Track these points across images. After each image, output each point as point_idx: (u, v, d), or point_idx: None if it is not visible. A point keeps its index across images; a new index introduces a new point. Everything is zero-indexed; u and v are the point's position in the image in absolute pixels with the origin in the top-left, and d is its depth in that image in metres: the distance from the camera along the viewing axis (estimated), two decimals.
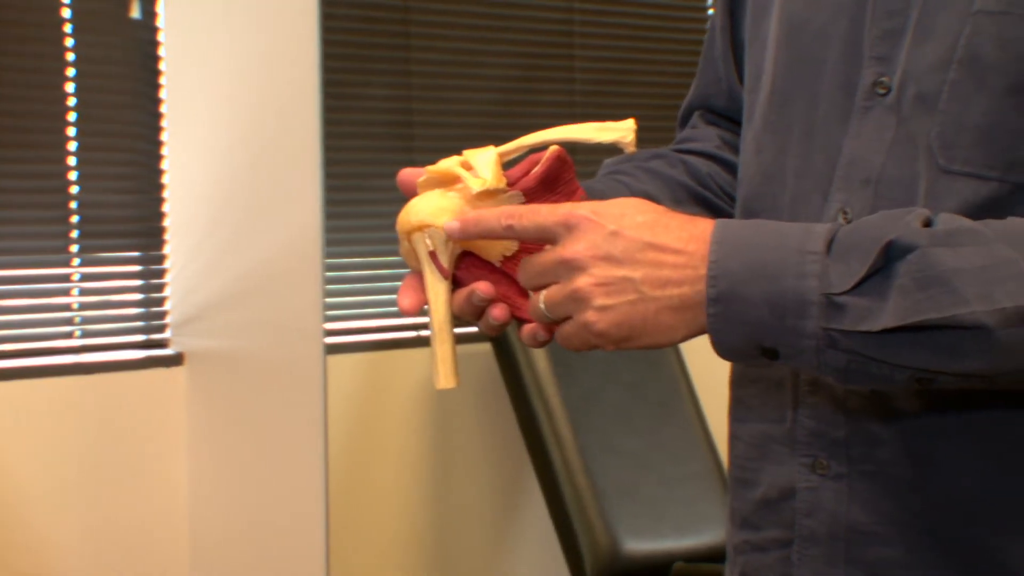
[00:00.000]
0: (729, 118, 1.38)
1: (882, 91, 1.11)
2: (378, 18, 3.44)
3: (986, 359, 0.96)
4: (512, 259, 1.09)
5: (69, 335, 3.09)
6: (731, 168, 1.35)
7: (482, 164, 1.08)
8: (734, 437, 1.26)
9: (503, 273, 1.10)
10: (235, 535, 3.04)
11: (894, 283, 0.95)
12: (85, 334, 3.11)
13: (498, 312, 1.07)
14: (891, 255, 0.96)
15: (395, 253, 3.51)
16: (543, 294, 1.02)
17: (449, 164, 1.09)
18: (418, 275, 1.11)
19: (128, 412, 3.09)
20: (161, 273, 3.18)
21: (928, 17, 1.09)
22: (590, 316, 1.00)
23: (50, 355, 3.05)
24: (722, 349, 1.00)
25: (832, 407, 1.14)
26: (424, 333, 3.43)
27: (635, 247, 0.99)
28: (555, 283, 1.01)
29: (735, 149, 1.35)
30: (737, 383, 1.26)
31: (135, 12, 3.11)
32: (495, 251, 1.09)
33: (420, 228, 1.08)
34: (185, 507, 3.13)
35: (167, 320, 3.19)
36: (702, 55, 1.42)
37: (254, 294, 2.95)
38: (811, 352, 0.97)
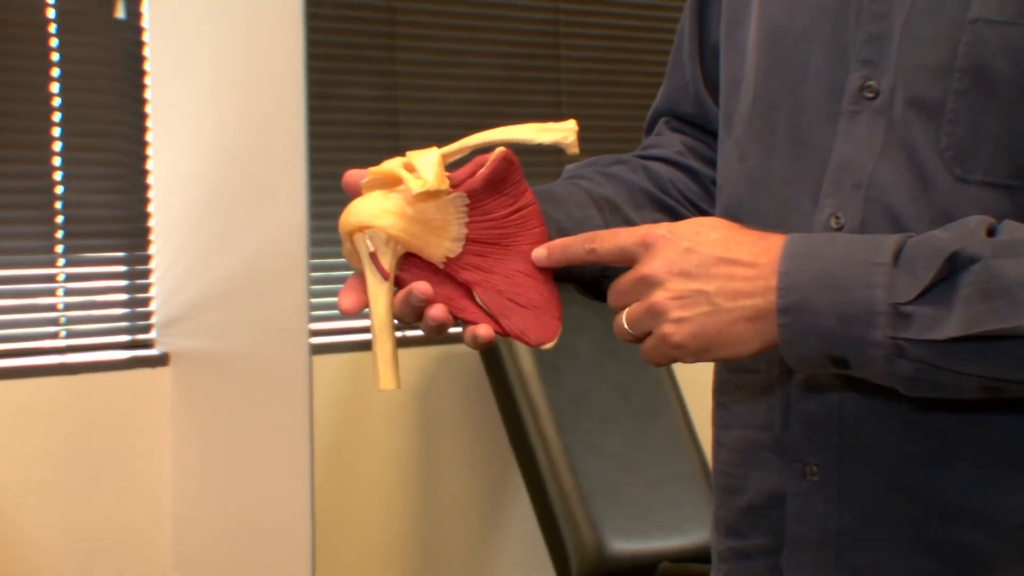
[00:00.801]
0: (695, 124, 1.37)
1: (870, 95, 1.11)
2: (363, 18, 3.44)
3: None
4: (456, 261, 1.09)
5: (54, 335, 3.08)
6: (693, 174, 1.34)
7: (424, 165, 1.08)
8: (719, 444, 1.26)
9: (446, 275, 1.10)
10: (220, 535, 3.04)
11: (958, 293, 0.97)
12: (70, 334, 3.10)
13: (435, 312, 1.08)
14: (956, 265, 0.98)
15: None
16: (624, 312, 1.05)
17: (392, 165, 1.09)
18: (361, 276, 1.10)
19: (113, 412, 3.08)
20: (146, 273, 3.17)
21: (915, 21, 1.09)
22: (667, 329, 1.03)
23: (35, 355, 3.05)
24: (793, 359, 1.03)
25: (825, 413, 1.13)
26: (409, 334, 3.43)
27: (709, 262, 1.02)
28: (636, 300, 1.04)
29: (699, 156, 1.35)
30: (721, 390, 1.26)
31: (120, 12, 3.11)
32: (438, 253, 1.09)
33: (361, 229, 1.08)
34: (170, 507, 3.13)
35: (152, 320, 3.18)
36: (670, 59, 1.41)
37: (240, 294, 2.95)
38: (880, 361, 1.00)
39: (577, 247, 1.08)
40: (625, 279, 1.06)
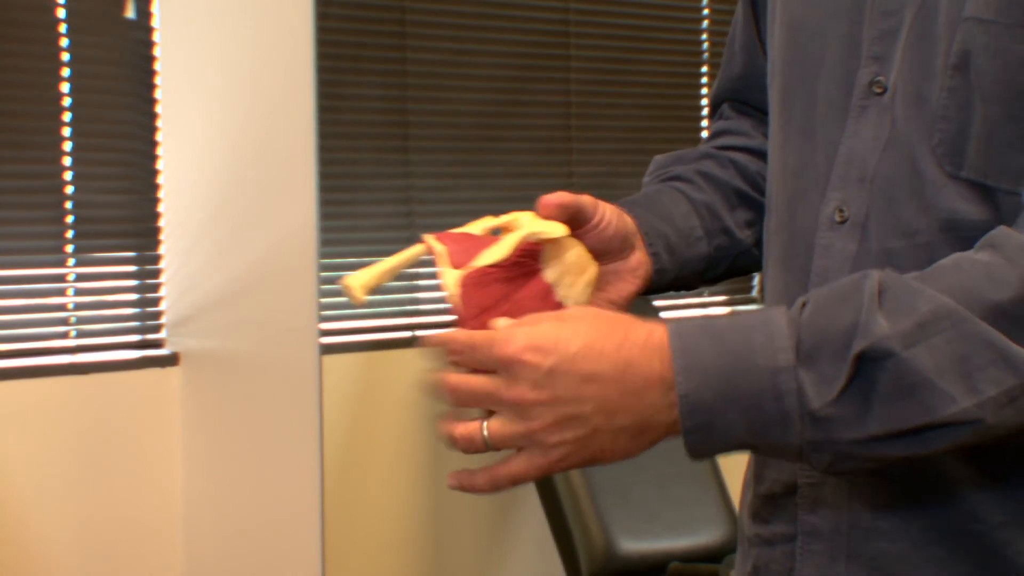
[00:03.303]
0: (759, 108, 1.40)
1: (878, 90, 1.12)
2: (373, 18, 3.44)
3: (979, 439, 0.97)
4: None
5: (64, 335, 3.09)
6: None
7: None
8: None
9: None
10: (230, 535, 3.04)
11: (875, 391, 0.95)
12: (80, 334, 3.10)
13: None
14: (865, 360, 0.95)
15: (390, 253, 3.52)
16: (488, 426, 1.00)
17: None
18: None
19: (123, 412, 3.09)
20: (156, 273, 3.18)
21: (923, 18, 1.10)
22: (548, 455, 0.98)
23: (45, 355, 3.05)
24: (699, 459, 1.00)
25: None
26: (419, 333, 3.43)
27: (575, 381, 0.97)
28: (498, 416, 0.99)
29: None
30: None
31: (130, 12, 3.11)
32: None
33: None
34: (180, 507, 3.13)
35: (162, 320, 3.19)
36: (726, 48, 1.44)
37: (249, 294, 2.95)
38: (796, 455, 0.98)
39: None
40: (482, 387, 0.99)
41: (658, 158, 1.36)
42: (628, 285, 1.23)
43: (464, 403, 1.01)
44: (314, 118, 2.78)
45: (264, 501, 2.95)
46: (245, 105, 2.92)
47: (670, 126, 3.88)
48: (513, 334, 0.98)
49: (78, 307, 3.12)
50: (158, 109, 3.14)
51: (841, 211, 1.12)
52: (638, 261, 1.23)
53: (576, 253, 1.11)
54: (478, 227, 1.14)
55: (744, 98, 1.41)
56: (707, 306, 3.98)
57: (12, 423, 2.94)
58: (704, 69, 3.93)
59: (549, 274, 1.09)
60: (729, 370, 0.96)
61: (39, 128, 3.04)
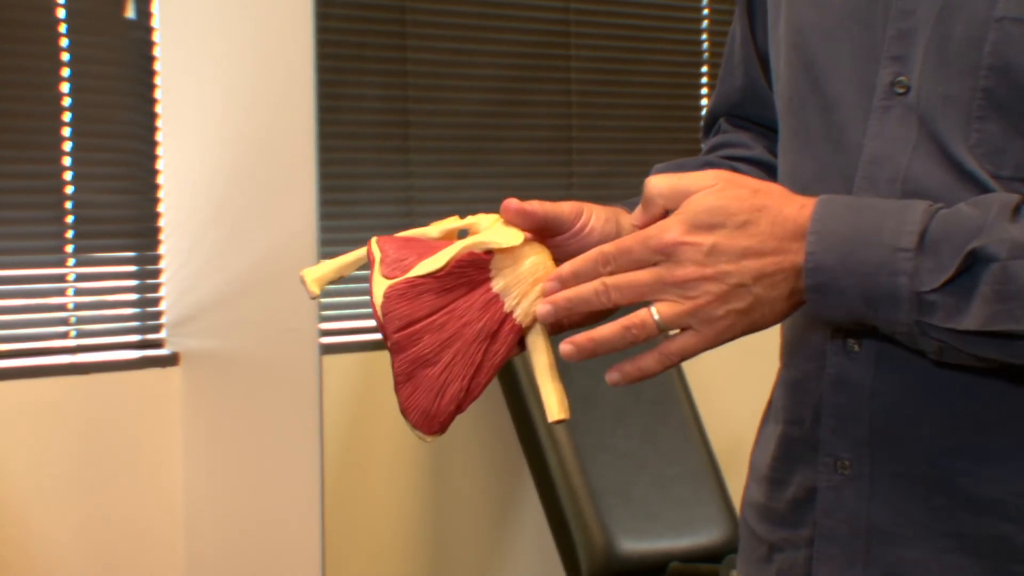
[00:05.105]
0: (757, 123, 1.39)
1: (900, 91, 1.11)
2: (373, 18, 3.44)
3: None
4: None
5: (64, 335, 3.09)
6: (775, 174, 1.35)
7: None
8: (763, 438, 1.27)
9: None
10: (231, 535, 3.04)
11: (977, 290, 0.99)
12: (80, 334, 3.10)
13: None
14: (975, 259, 0.99)
15: None
16: (657, 309, 1.03)
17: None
18: None
19: (124, 412, 3.09)
20: (156, 273, 3.18)
21: (943, 19, 1.09)
22: (715, 326, 1.03)
23: (46, 355, 3.05)
24: (825, 323, 1.07)
25: (855, 407, 1.13)
26: None
27: (736, 255, 1.02)
28: (664, 299, 1.03)
29: (774, 154, 1.35)
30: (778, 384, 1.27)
31: (130, 12, 3.11)
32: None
33: None
34: (181, 507, 3.13)
35: (162, 320, 3.19)
36: (723, 64, 1.43)
37: (249, 294, 2.95)
38: (905, 336, 1.03)
39: (587, 282, 1.05)
40: (643, 277, 1.03)
41: (659, 167, 1.34)
42: None
43: (629, 299, 1.04)
44: (314, 118, 2.79)
45: (264, 501, 2.95)
46: (245, 105, 2.92)
47: (670, 127, 3.88)
48: (667, 223, 1.03)
49: (78, 307, 3.12)
50: (158, 109, 3.14)
51: None
52: None
53: (533, 261, 1.09)
54: (437, 229, 1.14)
55: (743, 112, 1.40)
56: None
57: (12, 423, 2.95)
58: (704, 69, 3.94)
59: (498, 283, 1.08)
60: (855, 240, 1.02)
61: (39, 128, 3.04)
